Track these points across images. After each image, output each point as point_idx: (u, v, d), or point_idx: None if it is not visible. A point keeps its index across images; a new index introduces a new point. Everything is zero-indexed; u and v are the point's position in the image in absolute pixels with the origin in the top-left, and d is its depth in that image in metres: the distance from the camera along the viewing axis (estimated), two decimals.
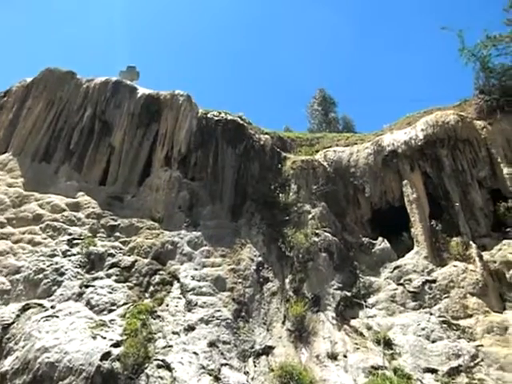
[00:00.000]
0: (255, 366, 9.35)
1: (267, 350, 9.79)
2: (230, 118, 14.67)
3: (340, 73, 52.36)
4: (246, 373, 9.05)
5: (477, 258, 11.02)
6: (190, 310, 10.08)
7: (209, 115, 14.77)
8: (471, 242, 11.42)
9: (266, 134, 15.21)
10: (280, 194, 12.84)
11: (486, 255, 11.20)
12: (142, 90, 15.21)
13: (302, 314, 10.37)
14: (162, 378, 8.47)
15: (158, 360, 8.80)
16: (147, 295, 10.50)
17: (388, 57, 53.96)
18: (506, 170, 12.11)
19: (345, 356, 9.70)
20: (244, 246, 11.89)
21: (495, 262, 11.04)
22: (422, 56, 51.40)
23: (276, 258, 11.78)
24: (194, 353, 8.98)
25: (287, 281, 11.19)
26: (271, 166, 13.82)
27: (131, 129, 14.36)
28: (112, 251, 11.39)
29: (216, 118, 14.62)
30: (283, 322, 10.42)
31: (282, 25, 57.73)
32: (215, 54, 55.52)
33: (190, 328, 9.58)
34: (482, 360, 9.24)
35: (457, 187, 12.36)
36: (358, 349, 9.92)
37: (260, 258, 11.61)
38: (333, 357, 9.67)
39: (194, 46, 56.64)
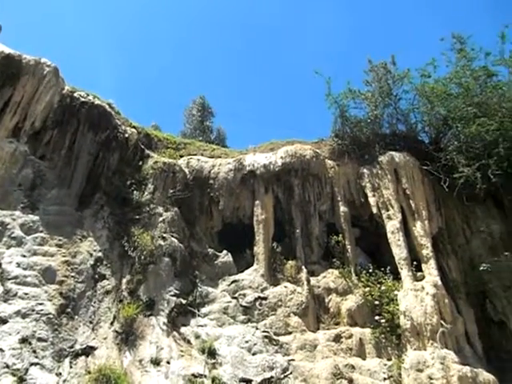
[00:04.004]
0: (71, 367, 8.82)
1: (88, 351, 9.33)
2: (97, 102, 13.81)
3: (223, 85, 53.48)
4: (59, 374, 8.47)
5: (305, 282, 12.17)
6: (6, 301, 9.07)
7: (75, 94, 13.69)
8: (303, 267, 12.57)
9: (134, 127, 14.67)
10: (135, 192, 12.47)
11: (313, 280, 12.42)
12: (0, 47, 13.43)
13: (133, 317, 10.17)
14: None
15: None
16: None
17: (273, 82, 57.04)
18: (342, 208, 13.70)
19: (168, 362, 9.76)
20: (85, 238, 11.20)
21: (319, 287, 12.34)
22: (302, 88, 55.47)
23: (117, 256, 11.35)
24: (0, 349, 8.08)
25: (124, 281, 10.86)
26: (131, 162, 13.35)
27: None
28: None
29: (82, 99, 13.61)
30: (112, 323, 10.06)
31: (181, 25, 56.74)
32: (98, 35, 51.83)
33: (2, 321, 8.60)
34: (291, 373, 10.21)
35: (301, 215, 13.53)
36: (182, 356, 10.08)
37: (100, 254, 11.06)
38: (156, 362, 9.66)
39: (77, 20, 52.10)
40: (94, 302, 10.28)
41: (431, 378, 10.08)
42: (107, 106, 14.03)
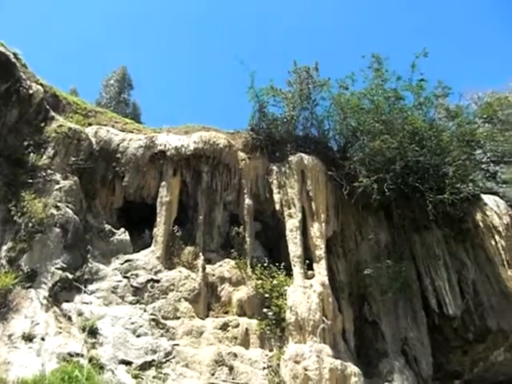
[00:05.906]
0: None
1: None
2: (0, 49, 12.46)
3: (148, 59, 51.44)
4: None
5: (200, 269, 12.19)
6: None
7: None
8: (201, 254, 12.57)
9: (41, 84, 13.48)
10: (31, 154, 11.49)
11: (208, 268, 12.47)
12: None
13: (9, 288, 9.41)
14: None
15: None
16: None
17: (199, 67, 56.10)
18: (247, 201, 13.88)
19: (43, 339, 9.20)
20: None
21: (214, 275, 12.42)
22: (227, 77, 55.32)
23: (1, 220, 10.40)
24: None
25: (5, 248, 10.00)
26: (32, 121, 12.24)
27: None
28: None
29: None
30: None
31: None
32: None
33: None
34: (174, 357, 10.20)
35: (206, 203, 13.47)
36: (60, 333, 9.55)
37: None
38: (28, 338, 9.04)
39: None
40: None
41: (306, 369, 10.70)
42: (12, 56, 12.73)
